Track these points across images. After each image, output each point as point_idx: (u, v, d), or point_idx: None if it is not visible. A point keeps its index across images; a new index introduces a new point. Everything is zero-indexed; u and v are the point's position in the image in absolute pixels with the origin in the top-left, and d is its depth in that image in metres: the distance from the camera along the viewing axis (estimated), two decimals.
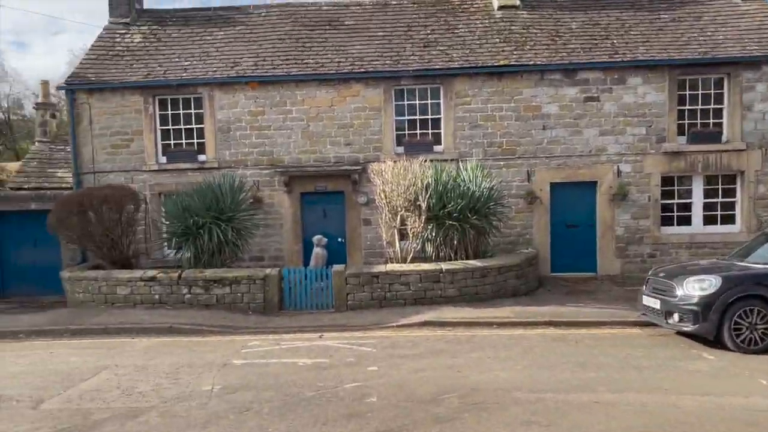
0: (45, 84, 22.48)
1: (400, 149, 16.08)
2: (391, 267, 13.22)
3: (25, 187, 18.63)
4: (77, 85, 16.27)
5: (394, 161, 14.02)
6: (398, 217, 13.91)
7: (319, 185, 16.33)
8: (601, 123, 16.00)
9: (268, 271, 13.31)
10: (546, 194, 16.17)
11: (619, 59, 15.91)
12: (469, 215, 13.49)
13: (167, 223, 14.55)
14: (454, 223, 13.46)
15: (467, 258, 13.83)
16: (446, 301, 12.89)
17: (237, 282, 13.13)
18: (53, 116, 21.03)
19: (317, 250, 15.33)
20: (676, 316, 9.70)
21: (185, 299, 13.16)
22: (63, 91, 18.12)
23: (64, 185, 17.98)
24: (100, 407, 7.11)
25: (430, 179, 13.72)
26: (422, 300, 12.92)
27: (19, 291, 16.45)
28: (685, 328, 9.64)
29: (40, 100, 22.77)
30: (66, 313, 13.04)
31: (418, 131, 16.35)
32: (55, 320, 12.40)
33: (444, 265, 13.15)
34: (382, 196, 13.93)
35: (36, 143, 22.49)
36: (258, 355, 9.62)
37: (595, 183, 16.13)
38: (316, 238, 15.43)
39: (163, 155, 16.54)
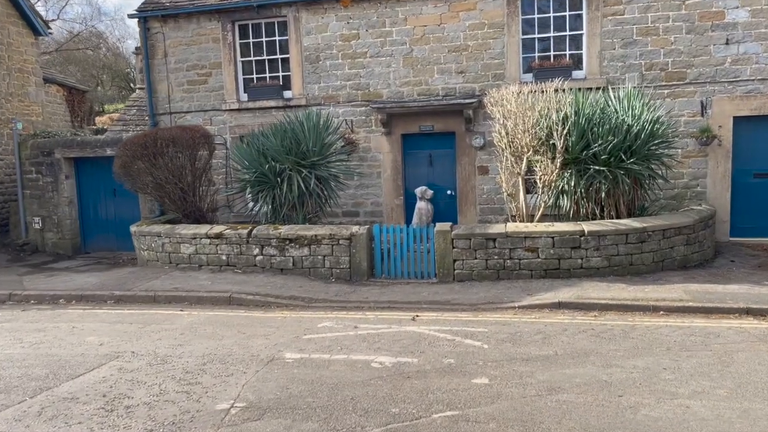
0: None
1: (528, 76, 12.54)
2: (513, 227, 10.00)
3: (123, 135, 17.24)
4: (150, 12, 14.20)
5: (520, 89, 10.66)
6: (524, 162, 10.58)
7: (425, 125, 13.24)
8: None
9: (354, 229, 10.55)
10: (727, 132, 12.02)
11: None
12: (623, 158, 9.88)
13: (240, 169, 12.22)
14: (601, 168, 9.91)
15: (618, 216, 10.30)
16: (589, 274, 9.55)
17: (317, 242, 10.54)
18: None
19: (420, 204, 12.39)
20: None
21: (256, 261, 10.81)
22: None
23: None
24: None
25: (568, 109, 10.21)
26: (555, 272, 9.66)
27: (99, 245, 14.99)
28: None
29: (138, 44, 21.45)
30: (124, 275, 11.16)
31: (551, 53, 12.68)
32: (104, 284, 10.49)
33: (586, 226, 9.72)
34: (503, 133, 10.63)
35: (136, 90, 21.27)
36: (322, 345, 6.93)
37: None
38: (419, 190, 12.47)
39: (244, 92, 14.18)
